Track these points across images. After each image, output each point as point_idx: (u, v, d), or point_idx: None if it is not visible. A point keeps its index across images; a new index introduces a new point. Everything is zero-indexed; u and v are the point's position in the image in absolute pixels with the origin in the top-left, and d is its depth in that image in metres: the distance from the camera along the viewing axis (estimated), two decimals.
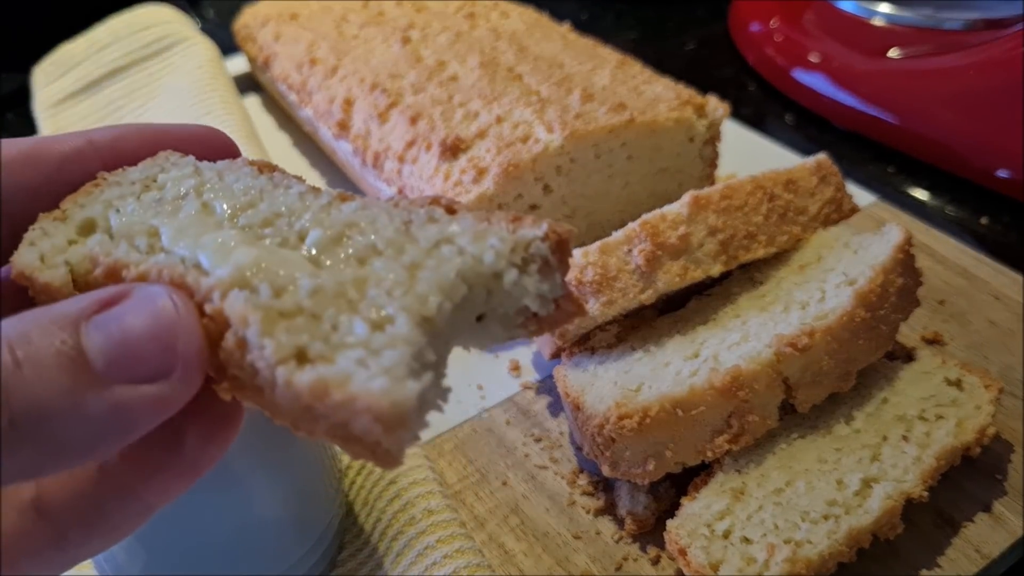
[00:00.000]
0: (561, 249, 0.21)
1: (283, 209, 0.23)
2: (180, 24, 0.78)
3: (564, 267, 0.21)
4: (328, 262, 0.21)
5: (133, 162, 0.26)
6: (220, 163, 0.25)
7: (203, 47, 0.75)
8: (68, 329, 0.19)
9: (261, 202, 0.23)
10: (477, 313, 0.21)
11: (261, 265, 0.20)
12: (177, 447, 0.21)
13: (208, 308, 0.20)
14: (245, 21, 0.80)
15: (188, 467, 0.21)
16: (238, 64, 0.83)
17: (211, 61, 0.74)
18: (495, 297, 0.21)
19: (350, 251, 0.21)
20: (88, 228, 0.23)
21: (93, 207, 0.24)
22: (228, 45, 0.84)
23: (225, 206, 0.23)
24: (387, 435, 0.17)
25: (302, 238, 0.22)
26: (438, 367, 0.20)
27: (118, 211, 0.24)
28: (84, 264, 0.22)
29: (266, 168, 0.25)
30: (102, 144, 0.26)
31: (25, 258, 0.22)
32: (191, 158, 0.26)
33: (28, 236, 0.23)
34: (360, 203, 0.23)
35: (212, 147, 0.27)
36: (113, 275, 0.21)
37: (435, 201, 0.22)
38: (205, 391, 0.20)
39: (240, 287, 0.20)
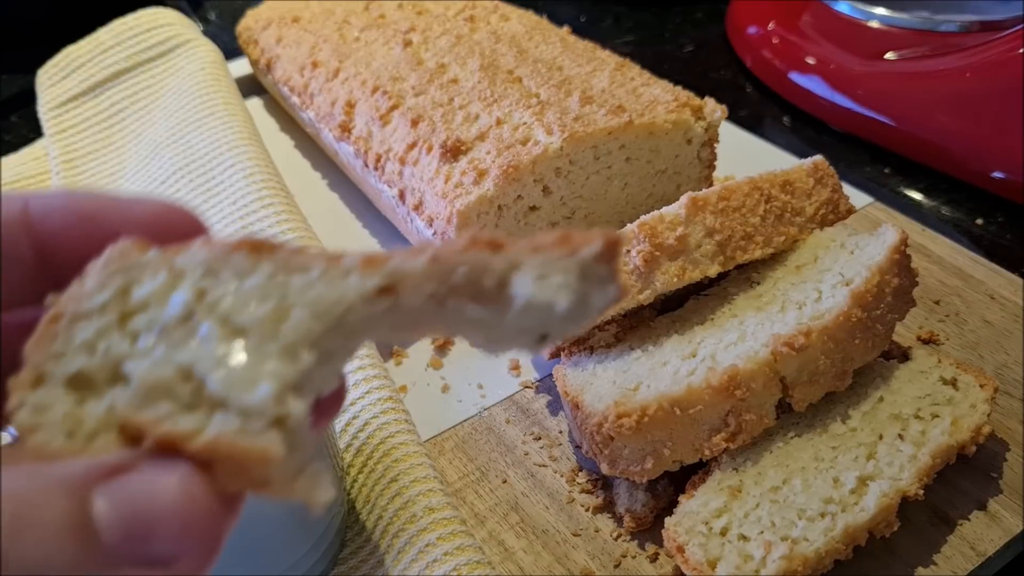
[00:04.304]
0: (616, 255, 0.20)
1: (318, 305, 0.19)
2: (183, 27, 0.78)
3: (617, 273, 0.20)
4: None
5: (74, 247, 0.21)
6: (197, 252, 0.20)
7: (206, 50, 0.76)
8: (76, 494, 0.16)
9: (290, 304, 0.19)
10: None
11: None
12: None
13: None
14: (247, 24, 0.81)
15: None
16: (240, 67, 0.84)
17: (214, 64, 0.74)
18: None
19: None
20: (80, 383, 0.19)
21: (73, 356, 0.19)
22: (231, 48, 0.84)
23: (249, 318, 0.19)
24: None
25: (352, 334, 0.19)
26: None
27: (108, 351, 0.19)
28: (107, 427, 0.18)
29: (256, 248, 0.20)
30: (39, 216, 0.21)
31: (41, 438, 0.18)
32: (155, 253, 0.20)
33: (20, 418, 0.18)
34: (395, 263, 0.19)
35: (174, 229, 0.22)
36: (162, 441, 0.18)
37: (475, 243, 0.20)
38: None
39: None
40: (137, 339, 0.19)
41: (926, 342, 0.51)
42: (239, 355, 0.18)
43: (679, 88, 0.58)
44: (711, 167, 0.61)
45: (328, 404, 0.22)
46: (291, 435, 0.18)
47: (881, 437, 0.40)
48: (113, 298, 0.20)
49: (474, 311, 0.20)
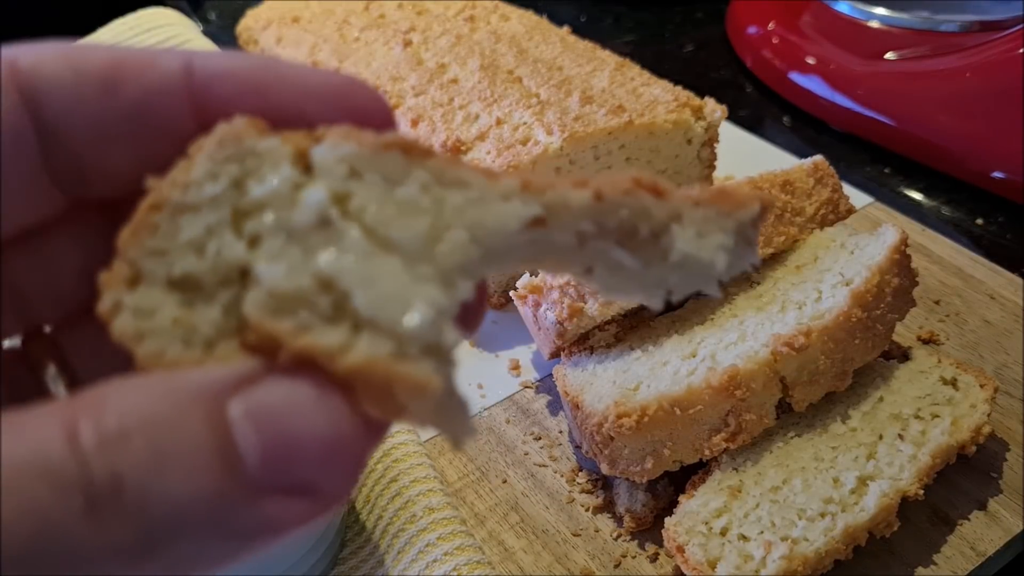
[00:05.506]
0: (764, 221, 0.19)
1: (479, 228, 0.17)
2: (183, 27, 0.78)
3: (758, 235, 0.19)
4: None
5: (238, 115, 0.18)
6: (339, 145, 0.17)
7: None
8: (215, 412, 0.14)
9: (448, 223, 0.16)
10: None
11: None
12: None
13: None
14: (247, 24, 0.81)
15: None
16: None
17: None
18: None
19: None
20: (183, 285, 0.16)
21: (178, 256, 0.16)
22: (231, 48, 0.84)
23: (401, 234, 0.16)
24: None
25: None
26: None
27: (220, 254, 0.16)
28: (226, 334, 0.16)
29: (409, 150, 0.17)
30: (204, 81, 0.18)
31: (153, 346, 0.15)
32: (275, 140, 0.17)
33: (121, 323, 0.16)
34: (558, 194, 0.17)
35: (357, 114, 0.18)
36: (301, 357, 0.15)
37: (638, 184, 0.18)
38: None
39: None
40: (257, 242, 0.16)
41: (926, 342, 0.51)
42: (391, 274, 0.16)
43: (679, 88, 0.58)
44: (711, 167, 0.61)
45: (464, 326, 0.18)
46: (443, 365, 0.16)
47: (881, 437, 0.40)
48: (226, 191, 0.16)
49: (620, 256, 0.18)
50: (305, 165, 0.17)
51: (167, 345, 0.16)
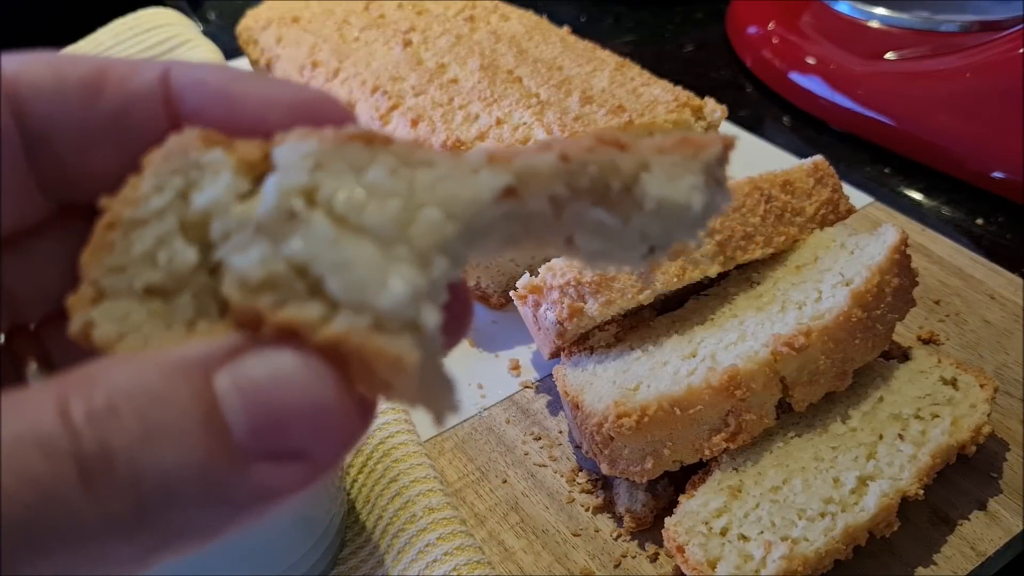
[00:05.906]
0: (728, 159, 0.19)
1: (451, 204, 0.17)
2: (183, 27, 0.78)
3: (725, 173, 0.19)
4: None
5: (212, 127, 0.18)
6: (300, 144, 0.17)
7: (206, 50, 0.76)
8: (201, 382, 0.15)
9: (420, 202, 0.17)
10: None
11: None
12: None
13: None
14: (247, 24, 0.81)
15: None
16: (240, 67, 0.84)
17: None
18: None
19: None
20: (154, 292, 0.17)
21: (135, 270, 0.17)
22: (230, 48, 0.84)
23: (372, 218, 0.16)
24: None
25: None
26: None
27: (172, 262, 0.17)
28: (205, 314, 0.17)
29: (370, 140, 0.17)
30: (178, 90, 0.19)
31: (136, 340, 0.16)
32: (218, 154, 0.17)
33: (99, 333, 0.16)
34: (524, 160, 0.17)
35: (321, 122, 0.19)
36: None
37: (601, 141, 0.18)
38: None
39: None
40: (224, 241, 0.17)
41: (926, 342, 0.51)
42: (364, 258, 0.16)
43: (679, 88, 0.58)
44: None
45: (456, 322, 0.19)
46: (423, 342, 0.16)
47: (881, 437, 0.40)
48: (171, 202, 0.17)
49: (597, 215, 0.18)
50: (260, 172, 0.17)
51: (151, 333, 0.16)
